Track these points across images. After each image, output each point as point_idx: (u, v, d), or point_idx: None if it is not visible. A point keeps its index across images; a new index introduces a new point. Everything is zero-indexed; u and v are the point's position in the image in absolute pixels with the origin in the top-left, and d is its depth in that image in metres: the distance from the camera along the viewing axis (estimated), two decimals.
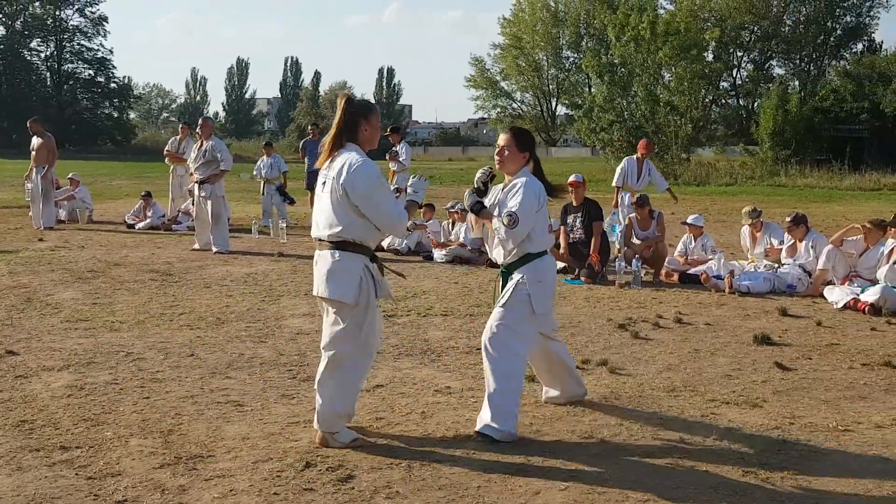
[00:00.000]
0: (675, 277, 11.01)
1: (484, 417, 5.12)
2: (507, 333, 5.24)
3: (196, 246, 13.55)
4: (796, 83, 49.69)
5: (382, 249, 13.39)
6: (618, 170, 13.79)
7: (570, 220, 11.30)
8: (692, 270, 10.95)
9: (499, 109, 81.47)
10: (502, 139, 5.41)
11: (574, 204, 11.34)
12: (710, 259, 11.08)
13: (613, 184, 13.71)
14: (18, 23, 76.82)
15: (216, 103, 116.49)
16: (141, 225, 16.60)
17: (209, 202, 13.32)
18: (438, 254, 12.65)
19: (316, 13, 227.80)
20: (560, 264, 11.42)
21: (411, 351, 7.23)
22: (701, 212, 14.65)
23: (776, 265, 10.63)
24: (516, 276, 5.32)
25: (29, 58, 78.12)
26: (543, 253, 5.39)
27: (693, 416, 5.58)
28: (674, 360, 7.05)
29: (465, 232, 12.72)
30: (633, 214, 11.98)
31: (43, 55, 78.93)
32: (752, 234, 11.31)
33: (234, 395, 5.91)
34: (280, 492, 4.29)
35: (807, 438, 5.15)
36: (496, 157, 5.40)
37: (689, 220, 11.73)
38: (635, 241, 11.73)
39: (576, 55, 73.59)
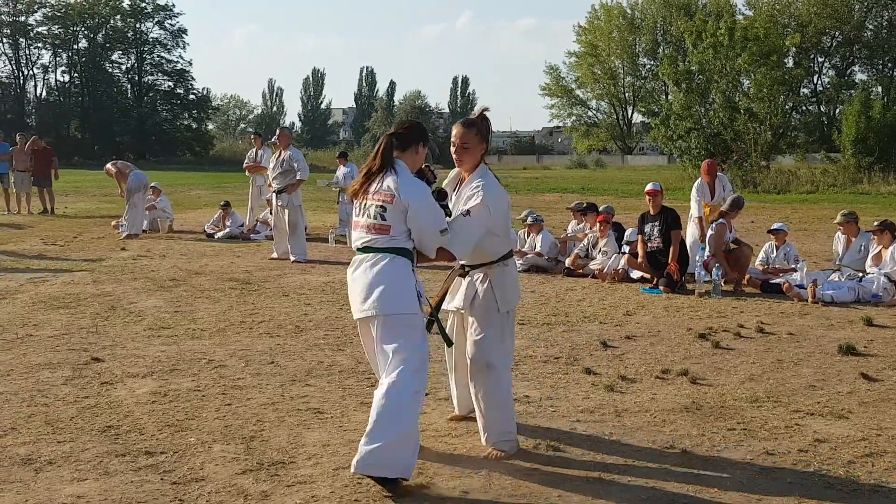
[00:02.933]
0: (757, 287, 10.78)
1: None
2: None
3: (274, 255, 13.75)
4: (879, 89, 48.40)
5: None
6: (693, 192, 13.06)
7: (647, 228, 11.17)
8: (774, 280, 10.72)
9: (574, 118, 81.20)
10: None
11: (652, 212, 11.20)
12: (792, 268, 10.83)
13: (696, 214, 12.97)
14: (100, 36, 79.37)
15: (292, 114, 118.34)
16: (220, 234, 16.91)
17: (286, 212, 13.52)
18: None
19: (391, 24, 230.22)
20: (636, 273, 11.31)
21: None
22: (782, 220, 14.34)
23: (860, 274, 10.33)
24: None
25: (110, 70, 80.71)
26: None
27: (777, 427, 5.44)
28: (756, 370, 6.89)
29: (541, 241, 12.66)
30: (722, 221, 11.46)
31: (124, 67, 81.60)
32: (847, 239, 10.91)
33: (314, 402, 5.96)
34: (360, 499, 4.30)
35: (894, 450, 4.99)
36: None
37: (774, 227, 11.50)
38: (731, 244, 11.37)
39: (652, 62, 73.00)
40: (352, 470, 4.37)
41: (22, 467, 4.72)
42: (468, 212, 4.81)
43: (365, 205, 4.66)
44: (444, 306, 5.17)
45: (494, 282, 4.98)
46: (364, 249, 4.66)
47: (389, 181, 4.60)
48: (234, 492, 4.38)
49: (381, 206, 4.59)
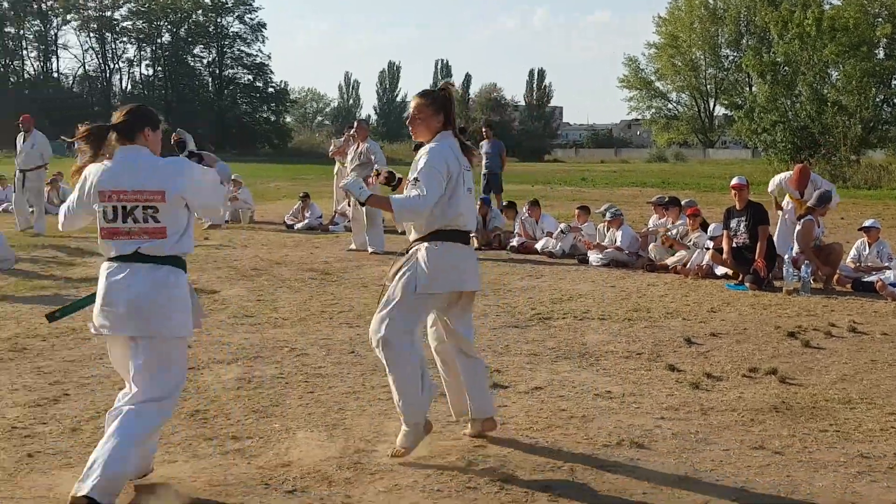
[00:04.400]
0: (848, 285, 10.47)
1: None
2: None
3: (353, 246, 13.84)
4: None
5: (532, 251, 13.33)
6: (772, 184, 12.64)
7: (733, 224, 10.92)
8: (866, 278, 10.38)
9: (653, 110, 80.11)
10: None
11: (738, 207, 10.95)
12: (886, 266, 10.48)
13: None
14: (183, 30, 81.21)
15: (368, 106, 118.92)
16: (299, 225, 17.11)
17: None
18: (594, 257, 12.47)
19: (466, 16, 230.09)
20: (720, 269, 11.08)
21: (569, 354, 7.12)
22: (874, 217, 13.91)
23: None
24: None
25: (192, 64, 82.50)
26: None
27: (872, 429, 5.25)
28: (848, 370, 6.68)
29: (621, 236, 12.49)
30: (810, 217, 11.14)
31: (205, 61, 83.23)
32: None
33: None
34: (443, 489, 4.29)
35: None
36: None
37: (866, 224, 11.15)
38: (822, 240, 11.06)
39: (735, 54, 71.62)
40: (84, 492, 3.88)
41: None
42: (416, 179, 4.61)
43: None
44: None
45: (421, 257, 4.68)
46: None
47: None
48: (318, 478, 4.41)
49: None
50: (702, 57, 76.44)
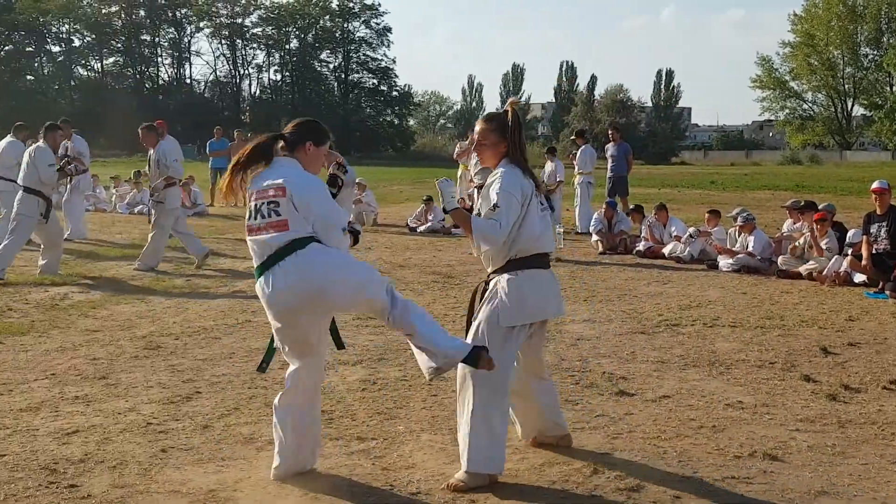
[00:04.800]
0: None
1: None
2: None
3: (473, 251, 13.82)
4: None
5: (659, 256, 13.04)
6: None
7: (873, 229, 10.45)
8: None
9: (787, 111, 77.69)
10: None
11: (879, 212, 10.47)
12: None
13: None
14: (310, 36, 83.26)
15: (491, 109, 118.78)
16: (422, 228, 17.25)
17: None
18: (724, 262, 12.11)
19: (591, 17, 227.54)
20: (859, 276, 10.60)
21: (698, 362, 6.94)
22: None
23: None
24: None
25: (319, 68, 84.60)
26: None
27: None
28: None
29: (753, 241, 12.10)
30: None
31: (331, 66, 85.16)
32: None
33: None
34: (568, 496, 4.25)
35: None
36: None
37: None
38: None
39: (875, 52, 68.80)
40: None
41: (245, 446, 4.97)
42: (495, 205, 4.45)
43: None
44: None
45: (502, 290, 4.52)
46: None
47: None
48: (442, 480, 4.43)
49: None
50: (839, 56, 73.73)
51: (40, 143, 11.20)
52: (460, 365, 4.38)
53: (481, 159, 4.79)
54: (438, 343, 4.22)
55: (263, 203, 4.20)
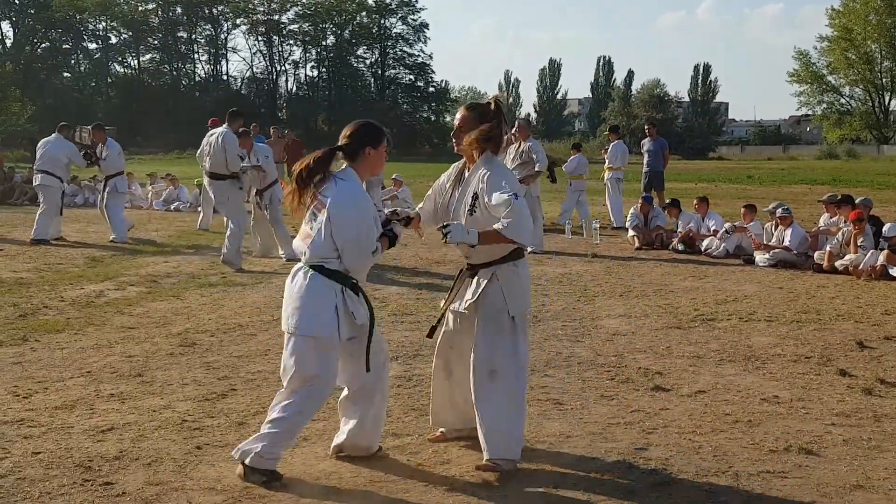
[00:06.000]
0: None
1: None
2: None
3: None
4: None
5: (696, 247, 12.98)
6: None
7: None
8: None
9: (825, 105, 76.81)
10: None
11: None
12: None
13: None
14: (347, 32, 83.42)
15: (528, 104, 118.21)
16: None
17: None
18: (760, 257, 12.03)
19: (628, 13, 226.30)
20: None
21: (734, 357, 6.92)
22: None
23: None
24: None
25: (355, 65, 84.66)
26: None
27: None
28: None
29: (790, 235, 12.00)
30: None
31: (368, 62, 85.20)
32: None
33: (553, 393, 5.96)
34: (603, 491, 4.26)
35: None
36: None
37: None
38: None
39: None
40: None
41: None
42: (515, 195, 4.38)
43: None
44: (451, 307, 4.85)
45: (504, 283, 4.59)
46: None
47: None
48: (477, 476, 4.46)
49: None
50: (877, 50, 72.77)
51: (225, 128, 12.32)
52: (485, 359, 4.52)
53: (457, 144, 4.71)
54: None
55: (311, 210, 4.42)
